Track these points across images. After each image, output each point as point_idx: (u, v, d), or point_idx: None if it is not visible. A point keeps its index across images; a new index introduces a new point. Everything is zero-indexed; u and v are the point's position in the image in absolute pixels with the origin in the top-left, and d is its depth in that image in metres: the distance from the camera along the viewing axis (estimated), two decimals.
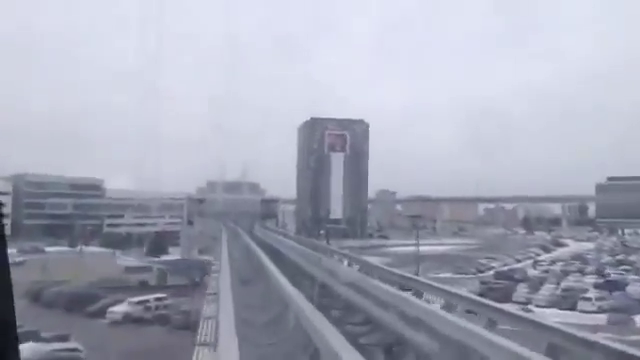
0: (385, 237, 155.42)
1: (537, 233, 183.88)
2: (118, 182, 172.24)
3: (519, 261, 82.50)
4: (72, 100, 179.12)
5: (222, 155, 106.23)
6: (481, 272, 69.10)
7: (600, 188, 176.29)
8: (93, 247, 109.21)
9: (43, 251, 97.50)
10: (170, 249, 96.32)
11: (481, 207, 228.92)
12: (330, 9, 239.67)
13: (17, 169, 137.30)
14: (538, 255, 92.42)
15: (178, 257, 71.71)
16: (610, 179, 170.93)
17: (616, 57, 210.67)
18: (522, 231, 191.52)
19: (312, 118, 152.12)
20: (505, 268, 73.22)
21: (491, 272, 69.54)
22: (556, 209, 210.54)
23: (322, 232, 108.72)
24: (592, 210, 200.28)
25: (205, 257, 59.91)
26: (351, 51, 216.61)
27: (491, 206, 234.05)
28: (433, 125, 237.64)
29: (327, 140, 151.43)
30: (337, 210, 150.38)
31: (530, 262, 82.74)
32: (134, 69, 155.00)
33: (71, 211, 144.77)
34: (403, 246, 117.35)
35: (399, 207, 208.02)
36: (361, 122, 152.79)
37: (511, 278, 60.47)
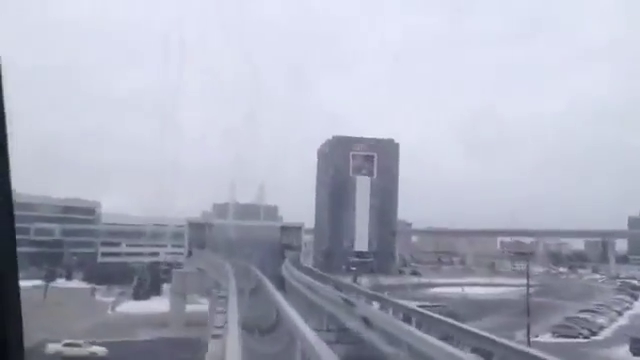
0: (417, 274, 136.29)
1: (580, 271, 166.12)
2: (118, 206, 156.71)
3: (620, 314, 63.19)
4: (88, 126, 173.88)
5: (233, 177, 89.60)
6: (593, 334, 50.10)
7: (634, 222, 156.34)
8: (76, 281, 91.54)
9: None
10: (166, 286, 78.16)
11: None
12: (344, 41, 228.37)
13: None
14: (630, 303, 73.16)
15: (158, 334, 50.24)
16: None
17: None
18: (561, 268, 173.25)
19: (335, 137, 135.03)
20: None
21: (607, 334, 50.49)
22: (575, 244, 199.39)
23: (353, 268, 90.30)
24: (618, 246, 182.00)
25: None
26: (365, 81, 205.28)
27: (507, 239, 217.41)
28: (445, 155, 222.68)
29: (352, 162, 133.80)
30: (362, 241, 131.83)
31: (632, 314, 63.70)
32: (152, 98, 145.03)
33: (59, 237, 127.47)
34: (445, 286, 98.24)
35: (414, 239, 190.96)
36: (390, 142, 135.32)
37: None
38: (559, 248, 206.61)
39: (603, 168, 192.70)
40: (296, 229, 76.52)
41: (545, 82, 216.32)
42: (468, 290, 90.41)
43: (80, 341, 41.20)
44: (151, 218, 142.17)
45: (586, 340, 47.66)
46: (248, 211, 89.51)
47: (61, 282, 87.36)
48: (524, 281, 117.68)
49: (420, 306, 28.60)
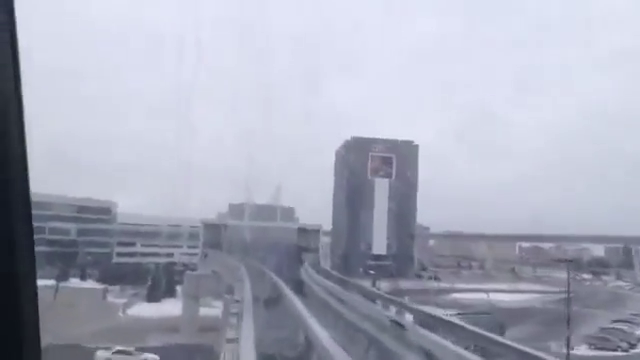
0: (436, 278, 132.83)
1: (604, 277, 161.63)
2: (134, 206, 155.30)
3: None
4: (104, 126, 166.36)
5: (249, 177, 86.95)
6: (632, 346, 46.69)
7: None
8: (90, 281, 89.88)
9: None
10: (180, 288, 76.13)
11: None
12: (359, 43, 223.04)
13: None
14: None
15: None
16: None
17: None
18: (585, 275, 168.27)
19: (354, 138, 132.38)
20: None
21: None
22: (595, 250, 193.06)
23: (371, 272, 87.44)
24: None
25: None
26: (380, 84, 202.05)
27: (526, 244, 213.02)
28: (460, 158, 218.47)
29: (370, 163, 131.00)
30: (380, 244, 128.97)
31: None
32: (168, 99, 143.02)
33: (75, 237, 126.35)
34: (467, 292, 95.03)
35: (431, 243, 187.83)
36: (409, 143, 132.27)
37: None
38: (580, 254, 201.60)
39: (623, 172, 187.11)
40: (314, 231, 74.10)
41: (560, 85, 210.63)
42: (492, 296, 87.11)
43: (131, 348, 39.43)
44: (167, 218, 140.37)
45: (625, 354, 44.37)
46: (264, 212, 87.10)
47: (75, 282, 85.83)
48: (547, 288, 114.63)
49: (461, 314, 25.72)
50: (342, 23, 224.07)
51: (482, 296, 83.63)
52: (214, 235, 76.91)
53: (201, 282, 51.73)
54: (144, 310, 62.20)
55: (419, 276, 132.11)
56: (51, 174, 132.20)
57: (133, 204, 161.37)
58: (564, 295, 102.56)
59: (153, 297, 70.01)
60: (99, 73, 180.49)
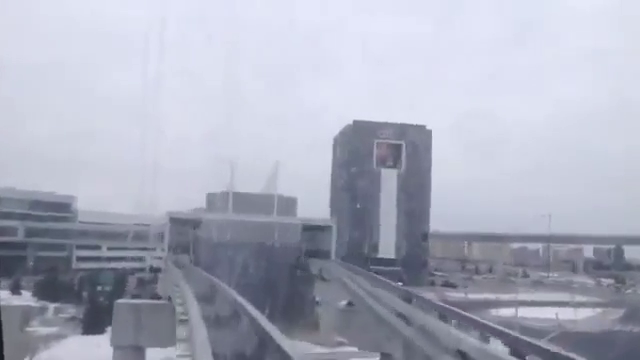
0: (452, 285, 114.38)
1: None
2: (97, 202, 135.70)
3: None
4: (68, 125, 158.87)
5: (233, 160, 67.24)
6: None
7: None
8: (27, 294, 69.50)
9: None
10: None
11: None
12: (330, 44, 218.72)
13: None
14: None
15: None
16: None
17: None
18: (606, 280, 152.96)
19: (356, 122, 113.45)
20: None
21: None
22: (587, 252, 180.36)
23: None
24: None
25: None
26: (355, 84, 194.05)
27: (514, 245, 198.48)
28: (448, 156, 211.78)
29: (376, 151, 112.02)
30: (388, 247, 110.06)
31: None
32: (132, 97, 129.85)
33: (23, 238, 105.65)
34: (504, 306, 75.83)
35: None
36: (421, 128, 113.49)
37: None
38: (572, 255, 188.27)
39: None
40: (326, 229, 55.36)
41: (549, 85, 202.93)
42: (527, 312, 67.97)
43: None
44: (136, 216, 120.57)
45: None
46: (255, 203, 66.90)
47: (4, 296, 65.79)
48: (581, 298, 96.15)
49: None
50: (317, 21, 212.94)
51: (538, 313, 64.73)
52: (184, 235, 58.05)
53: (149, 317, 31.38)
54: (73, 350, 42.24)
55: (432, 283, 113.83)
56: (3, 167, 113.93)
57: (96, 199, 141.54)
58: (616, 308, 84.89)
59: (94, 324, 49.87)
60: (64, 69, 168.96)
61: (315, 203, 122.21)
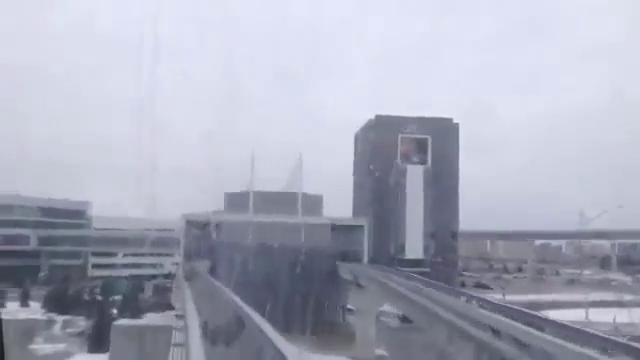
0: (485, 286, 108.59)
1: None
2: (113, 207, 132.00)
3: None
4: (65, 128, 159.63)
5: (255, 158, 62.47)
6: None
7: None
8: (36, 305, 65.12)
9: None
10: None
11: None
12: (330, 42, 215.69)
13: None
14: None
15: None
16: None
17: None
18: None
19: (378, 116, 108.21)
20: None
21: None
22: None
23: None
24: None
25: None
26: (351, 84, 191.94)
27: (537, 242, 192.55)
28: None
29: (401, 147, 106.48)
30: (415, 247, 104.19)
31: None
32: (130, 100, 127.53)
33: (36, 246, 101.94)
34: (552, 307, 69.91)
35: None
36: (448, 122, 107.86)
37: None
38: (627, 251, 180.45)
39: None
40: (356, 229, 50.01)
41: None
42: (576, 315, 62.02)
43: None
44: (152, 220, 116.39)
45: None
46: (278, 202, 61.36)
47: (12, 309, 61.52)
48: (628, 297, 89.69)
49: None
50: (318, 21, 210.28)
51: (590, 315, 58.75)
52: (203, 238, 53.02)
53: (148, 340, 25.80)
54: None
55: (463, 284, 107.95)
56: (11, 172, 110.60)
57: (111, 204, 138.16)
58: None
59: (101, 340, 44.94)
60: (68, 74, 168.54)
61: (333, 203, 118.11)
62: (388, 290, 34.19)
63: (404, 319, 30.11)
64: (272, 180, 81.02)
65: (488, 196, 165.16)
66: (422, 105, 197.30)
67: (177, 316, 25.98)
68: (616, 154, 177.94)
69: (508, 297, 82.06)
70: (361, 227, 52.68)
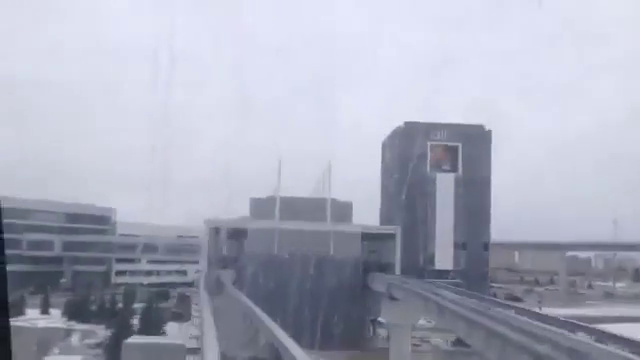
0: (517, 299, 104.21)
1: None
2: (137, 213, 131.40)
3: None
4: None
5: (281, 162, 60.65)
6: None
7: None
8: (57, 313, 63.83)
9: None
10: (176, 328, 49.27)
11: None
12: (352, 51, 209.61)
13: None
14: None
15: None
16: None
17: None
18: None
19: (407, 123, 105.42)
20: None
21: None
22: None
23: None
24: None
25: None
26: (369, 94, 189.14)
27: (580, 254, 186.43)
28: None
29: (431, 154, 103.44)
30: (445, 257, 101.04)
31: None
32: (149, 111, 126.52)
33: (60, 252, 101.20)
34: (597, 321, 65.96)
35: None
36: (480, 128, 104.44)
37: None
38: (621, 263, 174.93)
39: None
40: (388, 238, 47.34)
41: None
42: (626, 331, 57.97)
43: None
44: (179, 228, 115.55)
45: None
46: (306, 208, 58.96)
47: (31, 316, 60.09)
48: None
49: None
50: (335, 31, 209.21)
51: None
52: (228, 245, 51.00)
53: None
54: None
55: (494, 295, 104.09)
56: (36, 179, 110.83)
57: (135, 211, 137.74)
58: None
59: (118, 354, 42.93)
60: (86, 87, 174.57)
61: (359, 212, 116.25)
62: (439, 308, 31.10)
63: (457, 342, 27.62)
64: (298, 188, 79.06)
65: (517, 205, 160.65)
66: (447, 111, 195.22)
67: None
68: None
69: (545, 310, 78.19)
70: (392, 236, 49.97)
